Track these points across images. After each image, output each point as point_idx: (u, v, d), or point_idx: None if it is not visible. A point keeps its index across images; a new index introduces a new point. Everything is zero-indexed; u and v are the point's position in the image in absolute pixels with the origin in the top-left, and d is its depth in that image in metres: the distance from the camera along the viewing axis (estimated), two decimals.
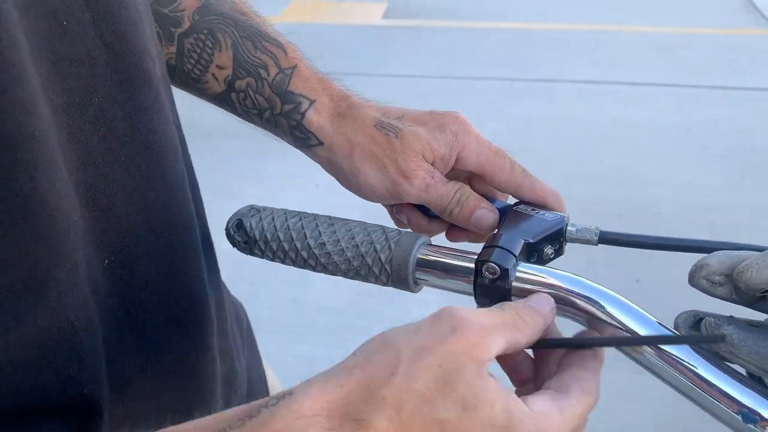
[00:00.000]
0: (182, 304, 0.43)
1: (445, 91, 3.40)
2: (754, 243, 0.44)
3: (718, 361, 0.40)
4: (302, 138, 0.55)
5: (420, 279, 0.46)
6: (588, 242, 0.50)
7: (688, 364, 0.40)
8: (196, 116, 1.10)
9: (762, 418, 0.37)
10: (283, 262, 0.49)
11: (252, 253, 0.50)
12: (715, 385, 0.39)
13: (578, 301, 0.42)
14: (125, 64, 0.38)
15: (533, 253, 0.48)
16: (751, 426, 0.37)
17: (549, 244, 0.49)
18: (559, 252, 0.49)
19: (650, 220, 2.38)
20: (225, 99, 0.56)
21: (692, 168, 2.76)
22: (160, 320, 0.41)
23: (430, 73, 3.59)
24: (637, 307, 0.42)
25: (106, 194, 0.37)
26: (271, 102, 0.55)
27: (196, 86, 0.56)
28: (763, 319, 0.42)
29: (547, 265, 0.47)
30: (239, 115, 0.57)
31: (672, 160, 2.80)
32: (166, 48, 0.54)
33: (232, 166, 2.89)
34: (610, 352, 0.41)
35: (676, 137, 2.97)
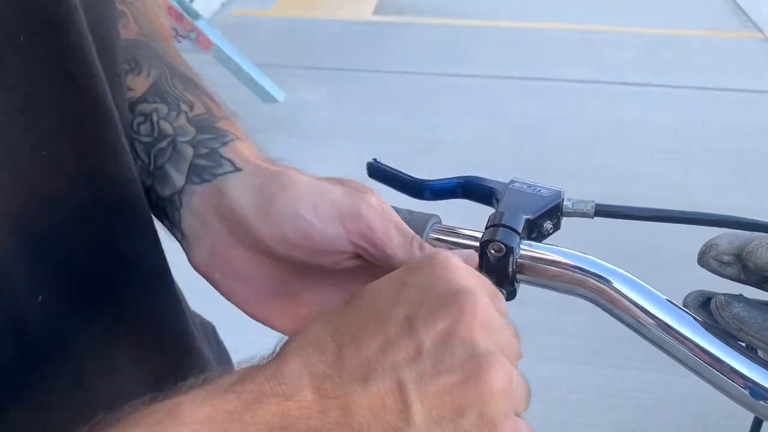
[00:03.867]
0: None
1: (436, 88, 3.40)
2: None
3: (728, 338, 0.41)
4: (207, 167, 0.43)
5: None
6: (584, 215, 0.50)
7: (698, 342, 0.40)
8: None
9: (762, 387, 0.37)
10: None
11: None
12: (724, 362, 0.39)
13: (588, 279, 0.43)
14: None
15: (533, 229, 0.48)
16: (761, 402, 0.38)
17: (548, 219, 0.49)
18: (557, 226, 0.50)
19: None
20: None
21: (680, 167, 2.78)
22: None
23: (421, 70, 3.59)
24: (645, 284, 0.42)
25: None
26: (181, 130, 0.44)
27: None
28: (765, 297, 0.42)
29: (545, 240, 0.48)
30: None
31: (660, 160, 2.83)
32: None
33: None
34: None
35: (664, 137, 3.00)
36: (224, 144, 0.44)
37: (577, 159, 2.81)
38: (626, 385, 1.90)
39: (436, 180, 0.57)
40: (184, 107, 0.45)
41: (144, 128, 0.44)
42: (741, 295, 0.41)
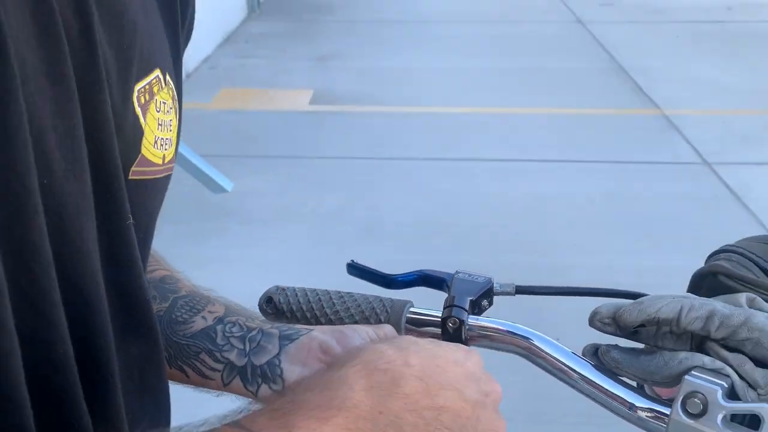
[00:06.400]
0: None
1: (374, 171, 3.65)
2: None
3: (611, 374, 0.61)
4: (290, 334, 0.64)
5: (407, 330, 0.66)
6: (508, 294, 0.70)
7: (592, 378, 0.61)
8: None
9: (634, 406, 0.57)
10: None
11: (279, 321, 0.68)
12: (609, 390, 0.60)
13: (516, 340, 0.63)
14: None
15: (475, 307, 0.68)
16: (634, 414, 0.58)
17: (484, 299, 0.69)
18: (490, 303, 0.70)
19: (564, 283, 2.66)
20: (205, 333, 0.65)
21: (597, 235, 3.08)
22: None
23: (359, 155, 3.85)
24: (556, 342, 0.63)
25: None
26: (260, 322, 0.65)
27: (177, 328, 0.65)
28: (638, 346, 0.63)
29: (484, 314, 0.68)
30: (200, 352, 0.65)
31: (579, 229, 3.13)
32: (158, 305, 0.65)
33: (173, 251, 3.00)
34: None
35: (582, 207, 3.32)
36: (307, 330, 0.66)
37: (505, 232, 3.08)
38: None
39: (400, 274, 0.77)
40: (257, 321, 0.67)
41: (236, 329, 0.65)
42: (617, 345, 0.62)
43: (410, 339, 0.49)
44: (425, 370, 0.45)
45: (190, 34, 0.64)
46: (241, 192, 3.39)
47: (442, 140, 4.01)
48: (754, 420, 0.54)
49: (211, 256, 2.84)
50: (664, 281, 2.92)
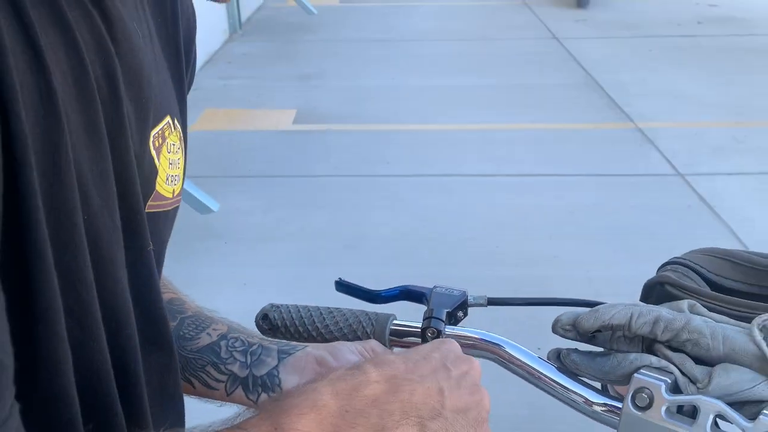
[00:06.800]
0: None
1: (357, 189, 3.73)
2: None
3: (572, 375, 0.69)
4: (287, 349, 0.72)
5: (391, 341, 0.73)
6: (481, 305, 0.78)
7: (556, 379, 0.68)
8: None
9: (590, 402, 0.65)
10: (298, 340, 0.74)
11: (275, 336, 0.75)
12: (569, 389, 0.68)
13: (489, 346, 0.70)
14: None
15: (451, 317, 0.76)
16: (591, 408, 0.66)
17: (460, 310, 0.76)
18: (465, 314, 0.77)
19: (543, 294, 2.74)
20: (210, 348, 0.72)
21: (576, 246, 3.18)
22: None
23: (343, 173, 3.93)
24: (524, 348, 0.71)
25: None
26: (260, 338, 0.73)
27: (184, 344, 0.72)
28: (595, 350, 0.70)
29: (460, 324, 0.76)
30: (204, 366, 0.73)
31: (558, 241, 3.22)
32: None
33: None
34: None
35: (560, 220, 3.42)
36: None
37: (486, 245, 3.17)
38: None
39: (384, 290, 0.85)
40: (249, 330, 0.75)
41: (238, 344, 0.73)
42: (576, 348, 0.70)
43: (382, 358, 0.55)
44: (385, 376, 0.52)
45: (193, 79, 0.72)
46: (227, 212, 3.46)
47: (423, 157, 4.10)
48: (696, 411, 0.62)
49: (199, 275, 2.89)
50: (640, 290, 3.02)
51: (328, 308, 0.75)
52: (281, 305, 0.75)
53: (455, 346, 0.61)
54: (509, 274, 2.88)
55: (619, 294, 3.05)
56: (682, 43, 6.50)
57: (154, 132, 0.56)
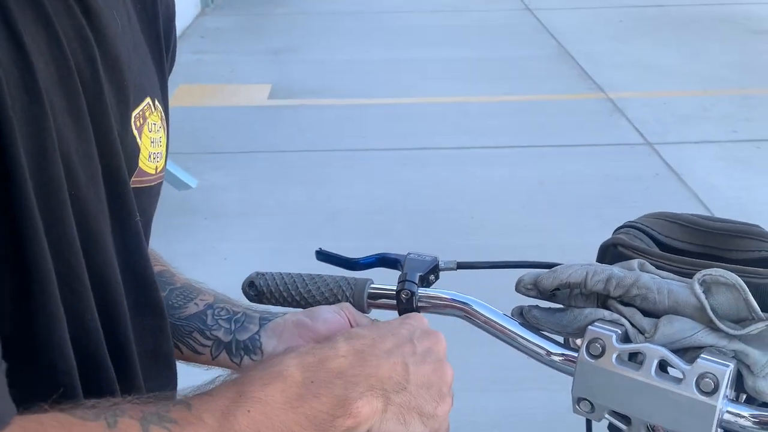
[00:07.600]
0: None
1: (334, 163, 3.77)
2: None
3: (534, 329, 0.76)
4: (268, 316, 0.76)
5: (369, 303, 0.80)
6: (451, 269, 0.84)
7: (520, 333, 0.75)
8: None
9: (550, 353, 0.72)
10: (283, 305, 0.80)
11: (261, 302, 0.81)
12: (532, 341, 0.74)
13: (458, 305, 0.77)
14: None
15: (424, 281, 0.82)
16: (550, 358, 0.73)
17: (432, 274, 0.83)
18: (437, 277, 0.83)
19: None
20: (197, 316, 0.76)
21: (548, 216, 3.27)
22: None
23: (319, 147, 3.96)
24: (490, 306, 0.77)
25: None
26: (245, 307, 0.77)
27: (172, 312, 0.75)
28: (555, 306, 0.77)
29: (433, 286, 0.82)
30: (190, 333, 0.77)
31: (530, 211, 3.31)
32: None
33: None
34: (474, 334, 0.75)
35: (533, 190, 3.50)
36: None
37: (461, 217, 3.24)
38: (522, 404, 2.27)
39: (361, 258, 0.90)
40: (235, 300, 0.80)
41: (223, 312, 0.77)
42: (537, 305, 0.77)
43: (353, 332, 0.60)
44: (352, 350, 0.56)
45: (174, 60, 0.77)
46: (205, 188, 3.48)
47: (398, 130, 4.15)
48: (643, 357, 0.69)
49: (179, 251, 2.93)
50: None
51: (311, 275, 0.81)
52: (266, 273, 0.81)
53: (422, 321, 0.65)
54: (483, 243, 2.96)
55: (590, 260, 3.16)
56: (651, 12, 6.58)
57: (135, 113, 0.60)
